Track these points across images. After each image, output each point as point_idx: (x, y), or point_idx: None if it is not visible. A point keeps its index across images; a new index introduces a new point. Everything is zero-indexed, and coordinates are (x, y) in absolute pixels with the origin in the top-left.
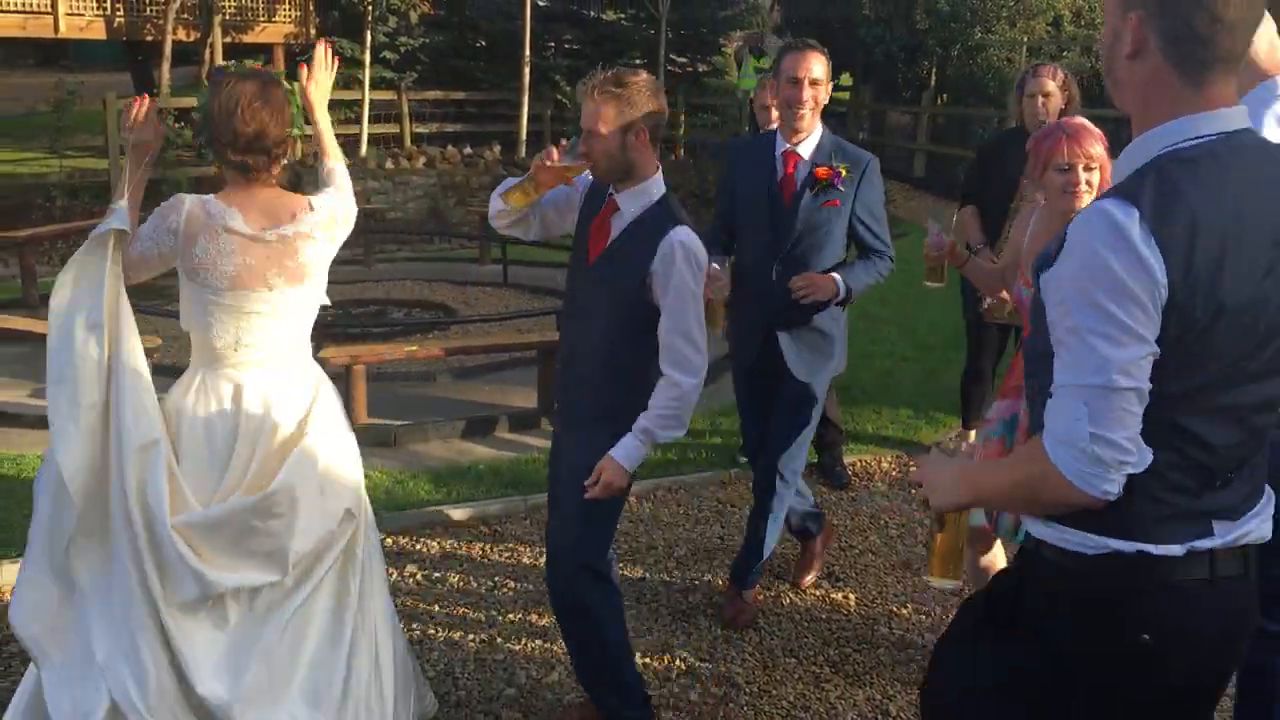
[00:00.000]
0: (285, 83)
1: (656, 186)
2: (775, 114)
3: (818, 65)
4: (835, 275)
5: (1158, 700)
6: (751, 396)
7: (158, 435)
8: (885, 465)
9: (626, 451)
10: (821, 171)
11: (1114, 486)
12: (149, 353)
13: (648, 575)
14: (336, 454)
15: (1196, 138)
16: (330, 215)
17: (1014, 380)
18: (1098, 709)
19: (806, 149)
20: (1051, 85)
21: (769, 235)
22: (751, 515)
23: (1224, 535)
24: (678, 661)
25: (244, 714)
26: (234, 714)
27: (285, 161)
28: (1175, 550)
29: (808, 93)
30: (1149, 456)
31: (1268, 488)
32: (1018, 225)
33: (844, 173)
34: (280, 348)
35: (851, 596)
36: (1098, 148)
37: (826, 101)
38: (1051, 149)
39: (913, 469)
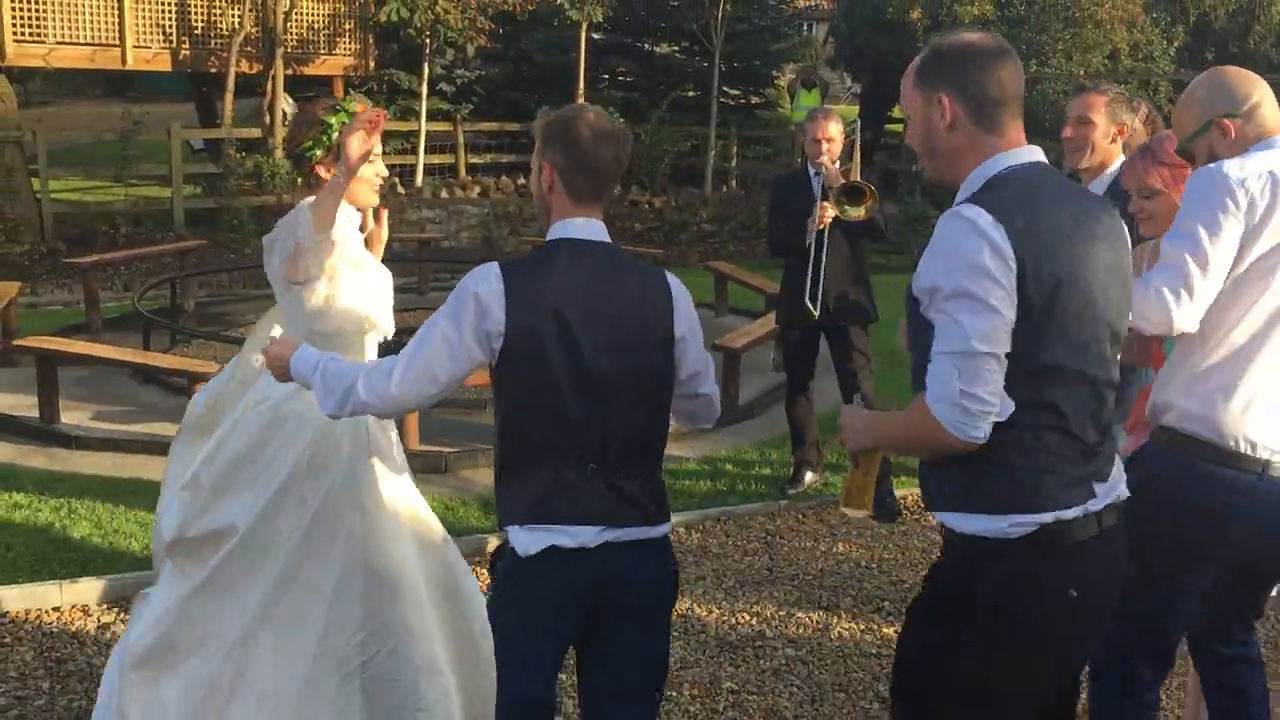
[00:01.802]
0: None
1: None
2: (824, 147)
3: (1094, 106)
4: None
5: (1072, 634)
6: None
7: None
8: (900, 491)
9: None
10: None
11: (980, 433)
12: (206, 377)
13: (695, 606)
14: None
15: (1009, 166)
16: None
17: (1137, 415)
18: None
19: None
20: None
21: None
22: None
23: (1105, 496)
24: (724, 694)
25: None
26: None
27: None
28: (1075, 513)
29: (1070, 130)
30: (1010, 407)
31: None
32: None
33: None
34: None
35: (886, 628)
36: (1152, 176)
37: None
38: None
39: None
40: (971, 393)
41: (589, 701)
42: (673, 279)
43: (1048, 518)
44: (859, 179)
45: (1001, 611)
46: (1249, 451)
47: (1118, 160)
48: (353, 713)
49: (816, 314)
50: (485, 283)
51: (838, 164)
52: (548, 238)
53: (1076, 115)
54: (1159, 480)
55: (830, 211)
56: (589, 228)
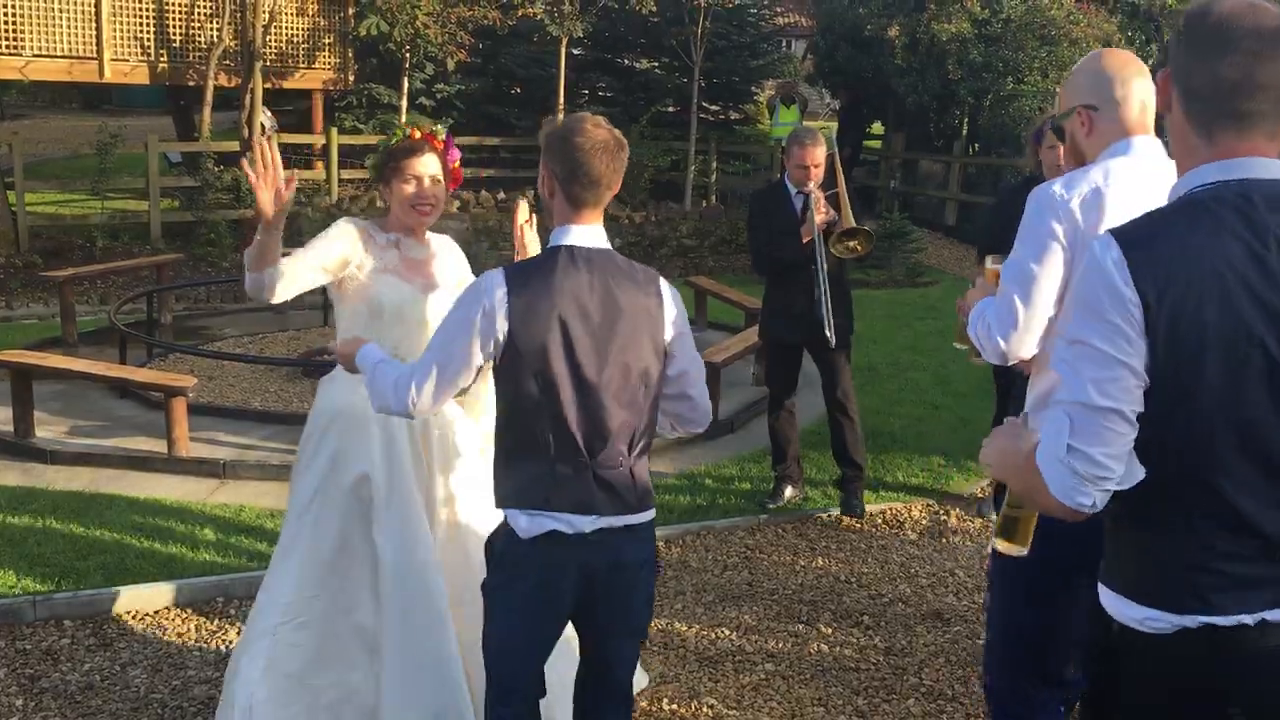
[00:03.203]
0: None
1: None
2: (812, 172)
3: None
4: None
5: None
6: None
7: None
8: (916, 514)
9: (365, 354)
10: None
11: (1089, 499)
12: (183, 392)
13: (675, 621)
14: None
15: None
16: None
17: None
18: None
19: None
20: None
21: None
22: None
23: None
24: (704, 708)
25: None
26: None
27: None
28: (1246, 620)
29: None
30: (1139, 473)
31: None
32: None
33: None
34: None
35: (881, 646)
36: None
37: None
38: None
39: (943, 514)
40: (1083, 451)
41: (585, 663)
42: (664, 283)
43: (1192, 622)
44: (854, 224)
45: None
46: None
47: None
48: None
49: (832, 338)
50: (490, 294)
51: (821, 191)
52: (550, 243)
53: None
54: None
55: (819, 228)
56: (587, 234)
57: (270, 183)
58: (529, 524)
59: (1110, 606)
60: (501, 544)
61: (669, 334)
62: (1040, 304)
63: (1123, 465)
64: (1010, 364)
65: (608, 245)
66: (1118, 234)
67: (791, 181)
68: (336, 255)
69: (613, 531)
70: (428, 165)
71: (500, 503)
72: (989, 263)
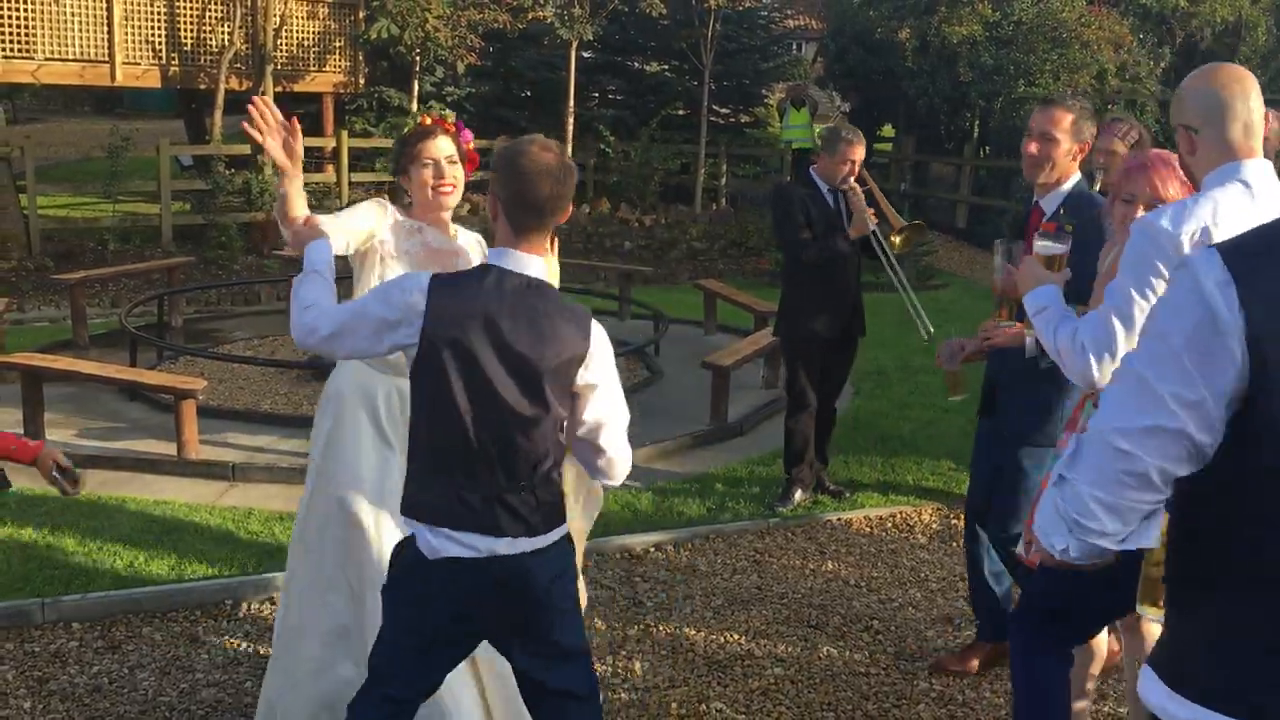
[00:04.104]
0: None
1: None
2: (851, 168)
3: (1057, 120)
4: (1027, 333)
5: None
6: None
7: None
8: (926, 517)
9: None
10: (1045, 226)
11: (1062, 543)
12: (193, 394)
13: (683, 625)
14: None
15: None
16: None
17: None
18: None
19: (1048, 203)
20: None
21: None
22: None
23: None
24: (713, 712)
25: None
26: None
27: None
28: None
29: (1034, 146)
30: (1148, 540)
31: None
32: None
33: (1069, 229)
34: None
35: (891, 650)
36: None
37: (1078, 159)
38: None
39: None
40: (1074, 487)
41: (525, 686)
42: (598, 330)
43: None
44: (902, 221)
45: None
46: None
47: (1074, 177)
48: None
49: (931, 330)
50: (410, 293)
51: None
52: (485, 260)
53: (1041, 130)
54: None
55: (872, 223)
56: (522, 261)
57: (276, 133)
58: (434, 543)
59: (1152, 700)
60: (409, 557)
61: (586, 378)
62: (1137, 336)
63: (1124, 524)
64: (1092, 388)
65: (544, 278)
66: (1224, 251)
67: (827, 178)
68: (363, 227)
69: (518, 556)
70: (442, 147)
71: (406, 510)
72: (1035, 243)
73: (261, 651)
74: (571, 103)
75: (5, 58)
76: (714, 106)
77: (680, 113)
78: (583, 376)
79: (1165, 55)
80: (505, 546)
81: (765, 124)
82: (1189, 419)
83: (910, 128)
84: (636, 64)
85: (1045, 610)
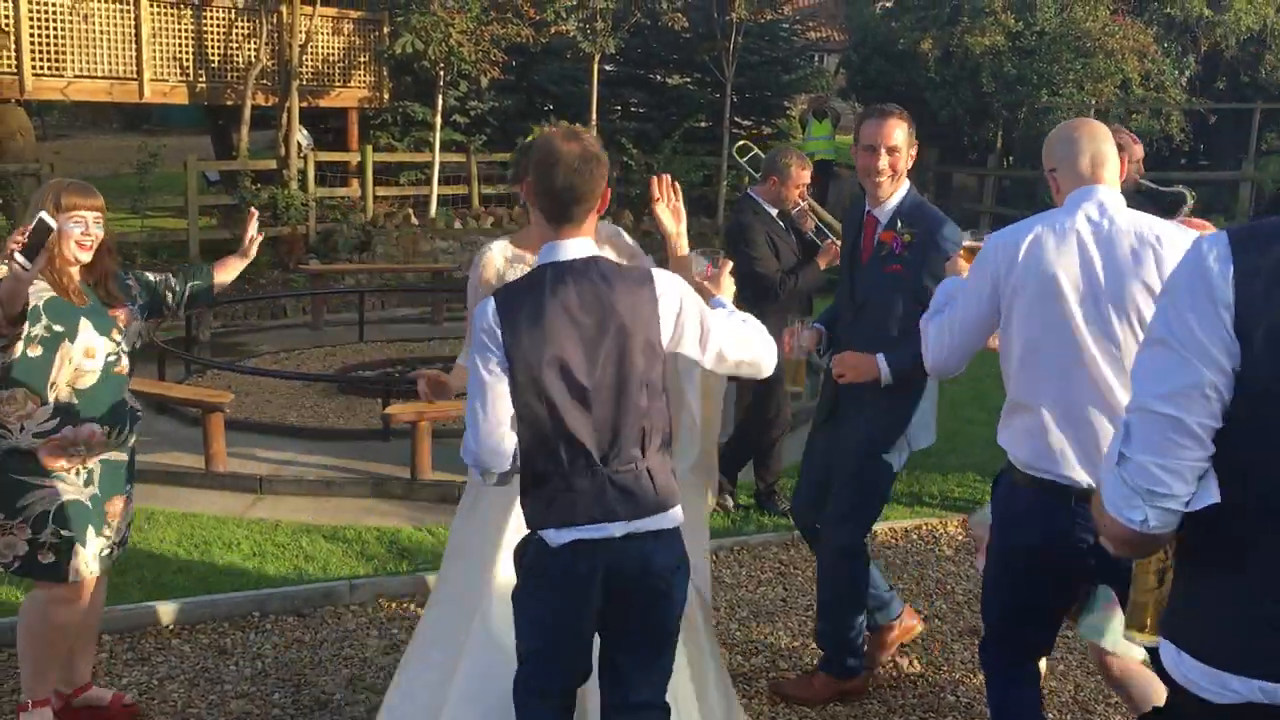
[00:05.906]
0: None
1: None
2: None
3: (898, 132)
4: (879, 356)
5: None
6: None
7: None
8: (951, 529)
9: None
10: (884, 236)
11: (1140, 514)
12: (220, 407)
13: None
14: None
15: None
16: None
17: None
18: None
19: (883, 213)
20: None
21: (848, 300)
22: None
23: None
24: None
25: None
26: None
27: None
28: None
29: (884, 161)
30: (1210, 496)
31: None
32: None
33: (907, 239)
34: None
35: (917, 663)
36: None
37: (910, 166)
38: None
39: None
40: (1134, 460)
41: (607, 674)
42: (660, 277)
43: (1253, 688)
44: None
45: None
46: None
47: (904, 187)
48: None
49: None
50: (482, 318)
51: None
52: (536, 262)
53: (888, 145)
54: None
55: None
56: (569, 248)
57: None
58: (556, 534)
59: (1172, 666)
60: (531, 553)
61: (668, 331)
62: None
63: (1186, 484)
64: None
65: (595, 252)
66: (1231, 233)
67: (774, 202)
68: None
69: (639, 537)
70: None
71: (530, 524)
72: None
73: (289, 663)
74: (594, 116)
75: (35, 75)
76: (736, 118)
77: (703, 125)
78: (665, 328)
79: (1190, 64)
80: (620, 529)
81: (788, 136)
82: (1207, 371)
83: (933, 138)
84: (659, 77)
85: (998, 630)
